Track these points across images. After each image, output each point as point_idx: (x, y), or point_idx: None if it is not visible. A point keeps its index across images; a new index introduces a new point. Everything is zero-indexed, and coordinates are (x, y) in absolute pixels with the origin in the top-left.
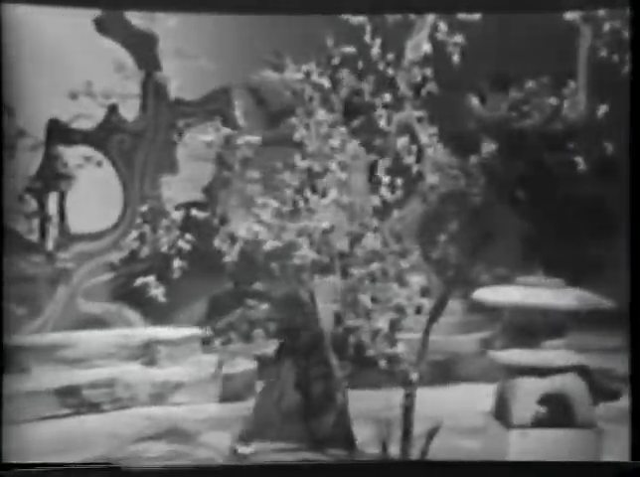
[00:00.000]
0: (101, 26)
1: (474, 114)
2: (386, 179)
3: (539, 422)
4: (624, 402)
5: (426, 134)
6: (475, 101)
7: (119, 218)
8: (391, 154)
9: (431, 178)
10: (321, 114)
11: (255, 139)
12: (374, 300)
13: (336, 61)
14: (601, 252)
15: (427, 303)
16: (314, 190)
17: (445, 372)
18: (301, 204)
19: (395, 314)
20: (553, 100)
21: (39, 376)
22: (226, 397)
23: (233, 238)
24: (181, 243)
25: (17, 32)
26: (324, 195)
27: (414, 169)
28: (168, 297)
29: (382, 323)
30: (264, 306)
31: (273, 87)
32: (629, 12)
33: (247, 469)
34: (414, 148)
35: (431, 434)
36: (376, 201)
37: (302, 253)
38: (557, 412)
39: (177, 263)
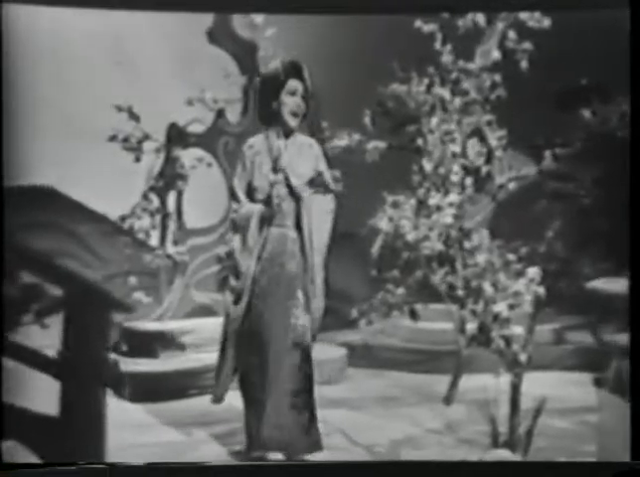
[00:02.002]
0: (213, 37)
1: (581, 124)
2: (455, 179)
3: None
4: None
5: (495, 137)
6: (586, 113)
7: (224, 214)
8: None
9: (499, 178)
10: (442, 122)
11: (382, 145)
12: (494, 286)
13: (454, 75)
14: None
15: (543, 292)
16: (438, 190)
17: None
18: (430, 201)
19: (513, 300)
20: None
21: (166, 358)
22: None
23: (375, 231)
24: None
25: (133, 45)
26: (447, 194)
27: (484, 170)
28: None
29: (501, 307)
30: (400, 291)
31: (399, 98)
32: (628, 12)
33: (247, 469)
34: (484, 150)
35: (538, 412)
36: (446, 200)
37: (430, 245)
38: None
39: None
